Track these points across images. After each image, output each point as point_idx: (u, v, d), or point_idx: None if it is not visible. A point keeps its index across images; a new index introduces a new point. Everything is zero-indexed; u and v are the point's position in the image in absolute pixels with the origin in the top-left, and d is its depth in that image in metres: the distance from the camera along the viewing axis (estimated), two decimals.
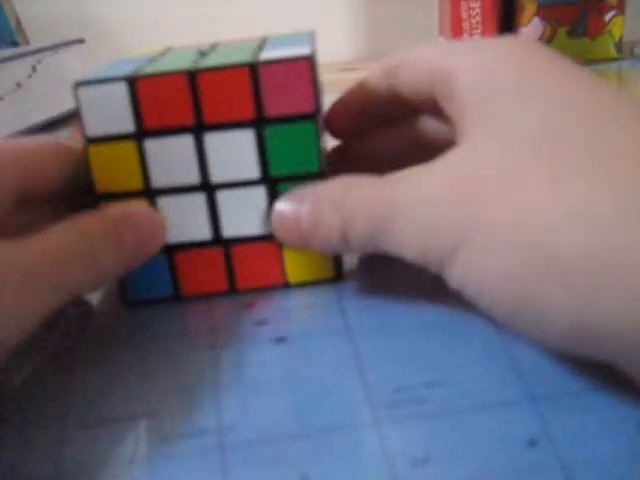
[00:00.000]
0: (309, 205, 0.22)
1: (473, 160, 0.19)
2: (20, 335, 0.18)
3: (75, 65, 0.63)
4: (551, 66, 0.20)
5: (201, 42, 0.29)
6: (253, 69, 0.23)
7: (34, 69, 0.58)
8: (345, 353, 0.21)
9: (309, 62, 0.23)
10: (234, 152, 0.24)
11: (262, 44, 0.26)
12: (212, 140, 0.23)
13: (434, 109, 0.23)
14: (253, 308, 0.24)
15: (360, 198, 0.21)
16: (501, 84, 0.20)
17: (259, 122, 0.23)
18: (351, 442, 0.18)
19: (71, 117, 0.59)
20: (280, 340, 0.22)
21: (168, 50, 0.28)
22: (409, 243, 0.20)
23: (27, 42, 0.74)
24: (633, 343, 0.15)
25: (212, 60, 0.24)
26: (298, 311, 0.24)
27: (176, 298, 0.25)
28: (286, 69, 0.23)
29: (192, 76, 0.23)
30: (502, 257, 0.17)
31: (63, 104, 0.60)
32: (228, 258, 0.25)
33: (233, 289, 0.25)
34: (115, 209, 0.23)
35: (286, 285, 0.25)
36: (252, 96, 0.23)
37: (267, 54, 0.24)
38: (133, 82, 0.23)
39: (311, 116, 0.23)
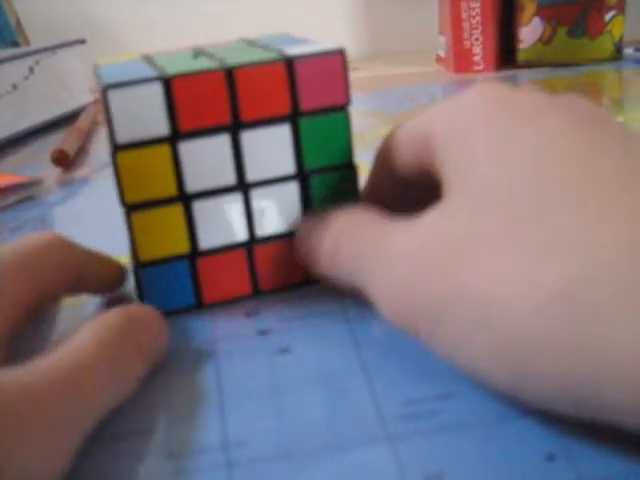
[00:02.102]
0: (318, 228, 0.23)
1: (449, 220, 0.18)
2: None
3: (75, 66, 0.63)
4: (521, 114, 0.19)
5: (176, 47, 0.29)
6: (289, 64, 0.23)
7: (31, 70, 0.58)
8: (352, 364, 0.21)
9: (342, 56, 0.23)
10: (270, 148, 0.23)
11: (257, 44, 0.26)
12: (249, 138, 0.23)
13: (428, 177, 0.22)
14: (256, 317, 0.24)
15: (349, 233, 0.21)
16: (475, 143, 0.19)
17: (294, 116, 0.23)
18: (362, 458, 0.17)
19: (69, 119, 0.59)
20: (284, 351, 0.22)
21: (149, 56, 0.27)
22: (382, 296, 0.19)
23: (27, 42, 0.74)
24: None
25: (217, 61, 0.24)
26: (302, 320, 0.23)
27: (198, 307, 0.25)
28: (321, 63, 0.23)
29: (229, 73, 0.22)
30: (485, 337, 0.16)
31: (61, 106, 0.60)
32: (251, 260, 0.25)
33: (257, 292, 0.25)
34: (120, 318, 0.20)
35: (308, 282, 0.25)
36: (288, 91, 0.23)
37: (295, 50, 0.24)
38: (169, 82, 0.22)
39: (343, 107, 0.24)
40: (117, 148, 0.22)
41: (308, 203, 0.24)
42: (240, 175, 0.23)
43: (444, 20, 0.66)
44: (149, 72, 0.23)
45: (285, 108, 0.23)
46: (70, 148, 0.46)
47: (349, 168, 0.24)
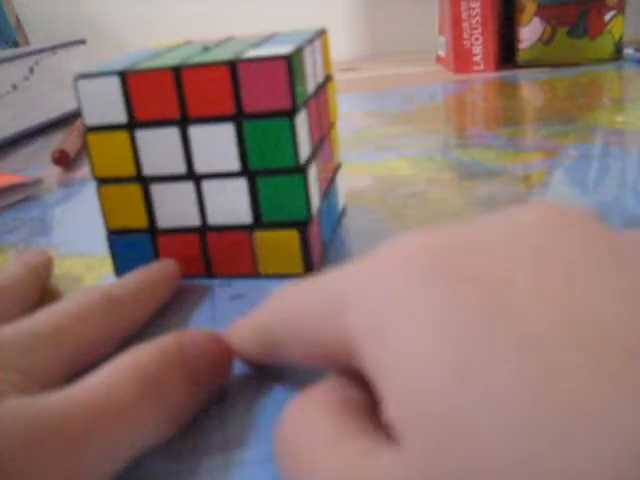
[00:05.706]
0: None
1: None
2: None
3: (75, 66, 0.63)
4: (472, 294, 0.13)
5: (218, 37, 0.30)
6: (233, 67, 0.24)
7: (31, 71, 0.58)
8: None
9: (285, 62, 0.23)
10: (216, 145, 0.25)
11: (263, 41, 0.27)
12: (196, 133, 0.25)
13: None
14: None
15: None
16: (410, 349, 0.13)
17: (239, 117, 0.24)
18: None
19: (69, 119, 0.59)
20: None
21: (183, 44, 0.30)
22: None
23: (27, 42, 0.74)
24: None
25: (205, 56, 0.25)
26: None
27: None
28: (264, 68, 0.24)
29: (177, 72, 0.24)
30: None
31: (61, 106, 0.60)
32: (204, 244, 0.26)
33: (210, 274, 0.27)
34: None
35: (256, 275, 0.26)
36: (232, 92, 0.24)
37: (253, 52, 0.25)
38: (125, 76, 0.25)
39: (287, 113, 0.24)
40: (87, 129, 0.25)
41: (256, 201, 0.25)
42: (189, 166, 0.25)
43: (444, 20, 0.66)
44: (123, 65, 0.25)
45: (230, 108, 0.24)
46: (70, 148, 0.46)
47: (296, 172, 0.25)
